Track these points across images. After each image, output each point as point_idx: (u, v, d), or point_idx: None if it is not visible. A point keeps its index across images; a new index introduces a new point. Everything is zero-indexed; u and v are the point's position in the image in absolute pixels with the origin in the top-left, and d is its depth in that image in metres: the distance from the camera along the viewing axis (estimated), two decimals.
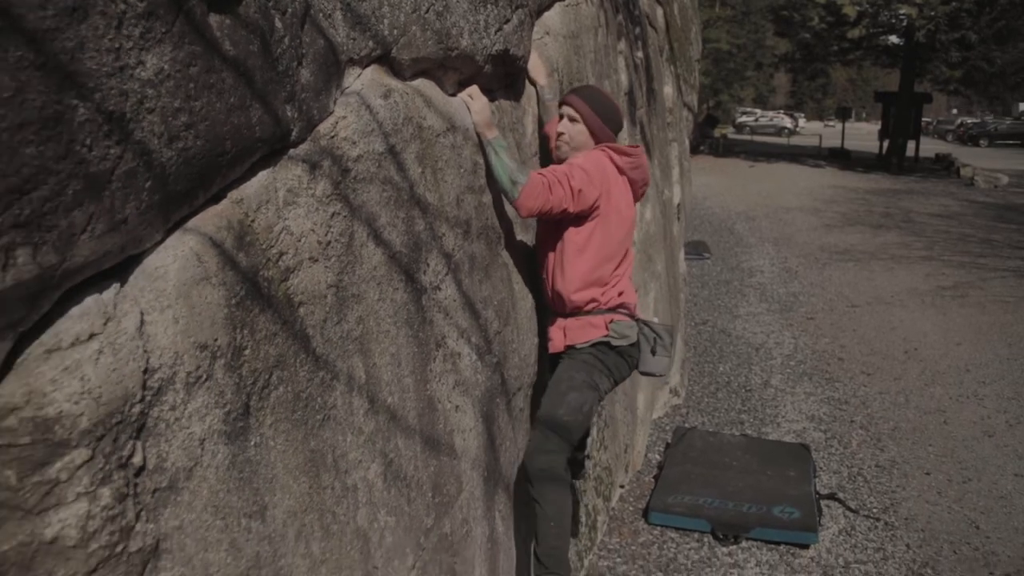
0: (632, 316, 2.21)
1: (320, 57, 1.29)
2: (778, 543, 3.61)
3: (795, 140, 32.71)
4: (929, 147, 26.68)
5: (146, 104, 0.92)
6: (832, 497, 4.09)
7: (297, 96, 1.21)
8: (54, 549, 0.80)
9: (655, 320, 2.32)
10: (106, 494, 0.83)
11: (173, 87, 0.95)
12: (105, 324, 0.86)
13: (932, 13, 17.70)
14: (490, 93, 2.11)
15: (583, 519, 3.22)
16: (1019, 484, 4.27)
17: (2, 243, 0.76)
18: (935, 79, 21.97)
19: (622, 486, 4.06)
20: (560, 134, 2.24)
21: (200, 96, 1.00)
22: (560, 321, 2.16)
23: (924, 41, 18.86)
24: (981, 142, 32.82)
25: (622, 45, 4.55)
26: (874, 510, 4.00)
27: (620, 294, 2.19)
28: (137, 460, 0.86)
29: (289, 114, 1.19)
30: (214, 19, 1.04)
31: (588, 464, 3.10)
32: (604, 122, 2.23)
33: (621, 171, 2.20)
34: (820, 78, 33.00)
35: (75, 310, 0.85)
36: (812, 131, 37.87)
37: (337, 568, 1.19)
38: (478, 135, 1.90)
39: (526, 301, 2.19)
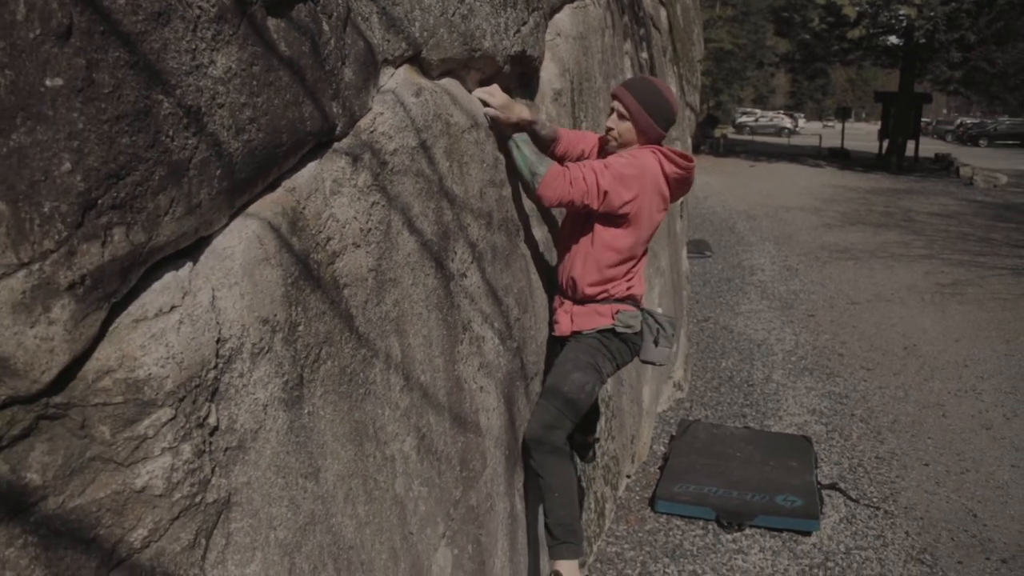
0: (638, 306, 2.24)
1: (360, 57, 1.38)
2: (781, 530, 3.71)
3: (795, 140, 32.83)
4: (929, 147, 26.81)
5: (217, 99, 1.01)
6: (833, 487, 4.19)
7: (341, 93, 1.31)
8: (143, 497, 0.89)
9: (659, 311, 2.32)
10: (187, 450, 0.92)
11: (239, 84, 1.05)
12: (183, 298, 0.96)
13: (931, 14, 17.82)
14: (508, 92, 2.20)
15: (591, 505, 3.31)
16: (1016, 475, 4.37)
17: (102, 222, 0.86)
18: (935, 79, 22.08)
19: (629, 476, 4.15)
20: (609, 129, 2.18)
21: (261, 92, 1.09)
22: (568, 306, 2.17)
23: (923, 42, 18.97)
24: (981, 142, 32.95)
25: (628, 46, 4.65)
26: (874, 499, 4.10)
27: (630, 287, 2.23)
28: (212, 421, 0.96)
29: (335, 110, 1.29)
30: (271, 22, 1.13)
31: (597, 450, 3.20)
32: (655, 119, 2.13)
33: (666, 177, 2.13)
34: (820, 78, 33.08)
35: (157, 285, 0.95)
36: (812, 131, 37.99)
37: (379, 530, 1.29)
38: (495, 129, 1.97)
39: (541, 291, 2.28)
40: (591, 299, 2.16)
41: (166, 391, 0.90)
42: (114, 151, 0.86)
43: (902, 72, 21.36)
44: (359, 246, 1.32)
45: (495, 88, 2.01)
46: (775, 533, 3.70)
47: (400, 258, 1.44)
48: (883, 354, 6.50)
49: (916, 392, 5.69)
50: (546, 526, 1.97)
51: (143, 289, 0.94)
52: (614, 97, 2.21)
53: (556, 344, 2.29)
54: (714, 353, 6.41)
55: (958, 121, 39.57)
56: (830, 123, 42.24)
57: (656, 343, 2.21)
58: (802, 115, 46.28)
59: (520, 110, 2.06)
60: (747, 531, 3.70)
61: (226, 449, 0.97)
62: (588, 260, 2.10)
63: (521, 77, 2.39)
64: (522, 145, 1.99)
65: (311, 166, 1.25)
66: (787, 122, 36.23)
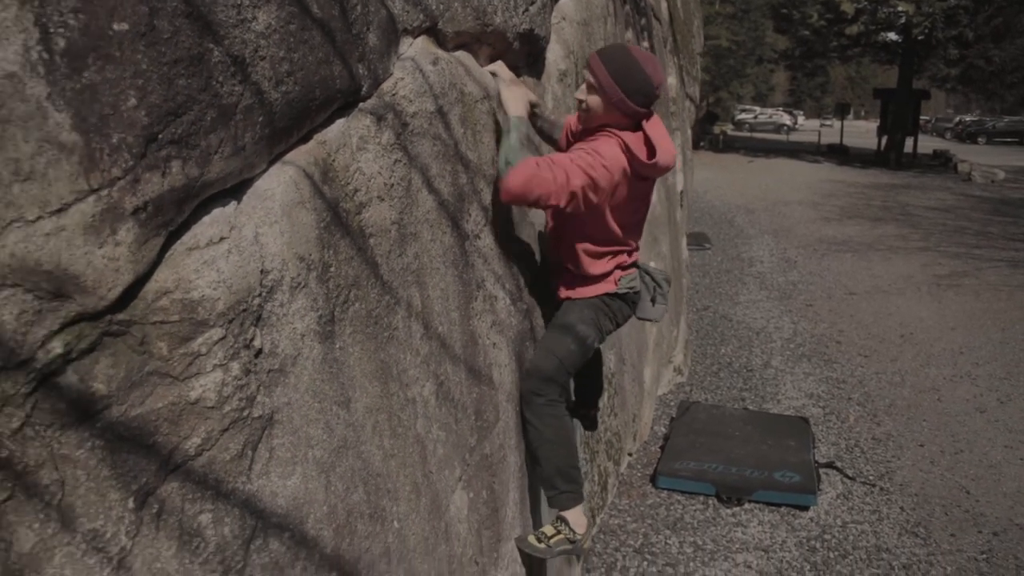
0: (636, 265, 2.22)
1: (383, 24, 1.47)
2: (779, 505, 3.80)
3: (793, 137, 32.94)
4: (928, 144, 26.92)
5: (260, 52, 1.10)
6: (830, 466, 4.28)
7: (367, 56, 1.40)
8: (196, 409, 0.98)
9: (653, 266, 2.28)
10: (235, 367, 1.01)
11: (278, 40, 1.14)
12: (231, 231, 1.05)
13: (929, 10, 17.91)
14: (516, 69, 2.29)
15: (595, 478, 3.40)
16: (1009, 455, 4.46)
17: (162, 154, 0.95)
18: (933, 76, 22.18)
19: (630, 454, 4.25)
20: (579, 102, 1.98)
21: (297, 49, 1.18)
22: (570, 277, 2.12)
23: (922, 38, 19.07)
24: (979, 139, 33.07)
25: (629, 35, 4.73)
26: (870, 477, 4.19)
27: (630, 255, 2.16)
28: (257, 343, 1.05)
29: (361, 71, 1.37)
30: None
31: (600, 424, 3.29)
32: (628, 94, 1.87)
33: (634, 168, 1.93)
34: (819, 76, 33.15)
35: (207, 218, 1.04)
36: (811, 128, 38.10)
37: (402, 464, 1.38)
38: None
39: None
40: (596, 278, 2.11)
41: (217, 312, 0.99)
42: (172, 91, 0.95)
43: (901, 69, 21.48)
44: (383, 199, 1.40)
45: (501, 64, 2.09)
46: (773, 508, 3.80)
47: (420, 214, 1.53)
48: (880, 342, 6.60)
49: (912, 377, 5.78)
50: (545, 478, 1.96)
51: (194, 222, 1.03)
52: (587, 67, 1.97)
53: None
54: (713, 340, 6.51)
55: (957, 119, 39.69)
56: (828, 122, 42.01)
57: (654, 301, 2.22)
58: (801, 112, 46.37)
59: (526, 91, 2.06)
60: (746, 506, 3.80)
61: (269, 371, 1.06)
62: (579, 253, 2.04)
63: (528, 56, 2.48)
64: (513, 131, 1.82)
65: (339, 122, 1.34)
66: (786, 119, 36.33)
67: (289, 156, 1.21)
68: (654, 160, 1.92)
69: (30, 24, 0.84)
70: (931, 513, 3.82)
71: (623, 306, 2.16)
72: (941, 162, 21.30)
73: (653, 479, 3.99)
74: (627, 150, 1.89)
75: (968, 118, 39.23)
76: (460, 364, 1.65)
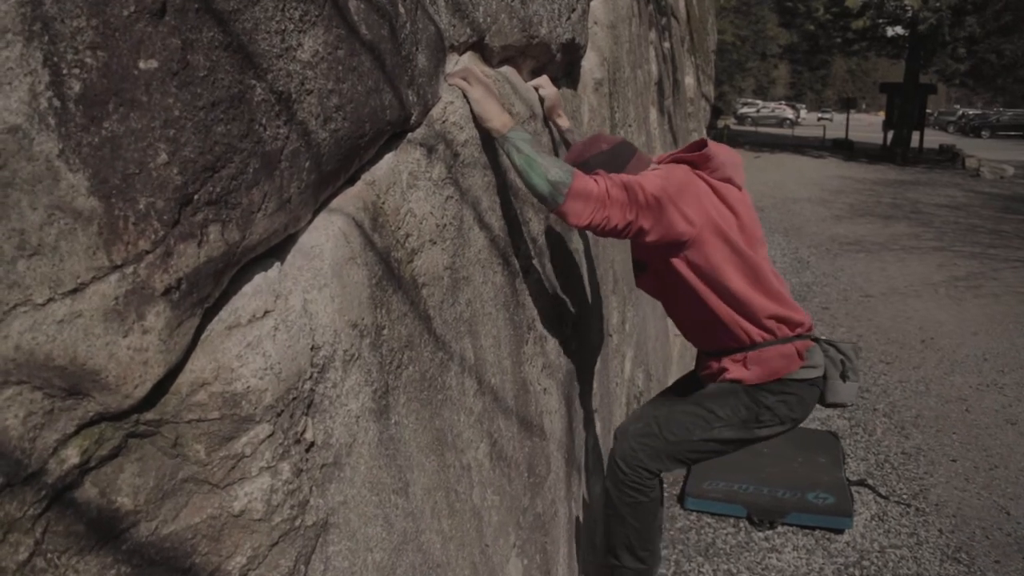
0: (813, 337, 1.77)
1: (432, 42, 1.29)
2: (813, 528, 3.65)
3: (797, 131, 32.71)
4: (931, 139, 26.70)
5: (306, 85, 0.93)
6: (862, 483, 4.13)
7: (416, 80, 1.22)
8: (240, 522, 0.82)
9: (839, 339, 1.85)
10: (286, 469, 0.84)
11: (326, 69, 0.96)
12: (275, 301, 0.88)
13: (937, 4, 17.67)
14: (555, 82, 2.12)
15: None
16: None
17: (198, 219, 0.78)
18: (941, 70, 21.95)
19: None
20: None
21: (346, 79, 1.01)
22: (736, 354, 1.69)
23: (928, 33, 18.84)
24: (983, 133, 32.85)
25: (652, 35, 4.56)
26: (904, 496, 4.04)
27: (795, 310, 1.74)
28: (309, 436, 0.88)
29: (410, 98, 1.20)
30: (352, 3, 1.05)
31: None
32: (620, 165, 1.65)
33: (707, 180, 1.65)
34: (821, 69, 32.93)
35: (247, 287, 0.87)
36: (811, 122, 37.79)
37: (461, 545, 1.21)
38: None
39: (590, 286, 2.20)
40: (762, 351, 1.66)
41: (264, 405, 0.82)
42: (210, 141, 0.78)
43: (907, 63, 21.25)
44: (435, 243, 1.24)
45: (547, 79, 1.92)
46: (807, 531, 3.65)
47: (471, 255, 1.37)
48: (901, 347, 6.44)
49: (937, 386, 5.62)
50: (609, 546, 1.77)
51: (232, 293, 0.86)
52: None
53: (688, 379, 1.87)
54: None
55: (960, 112, 39.46)
56: (826, 115, 41.34)
57: (844, 378, 1.73)
58: (803, 106, 46.09)
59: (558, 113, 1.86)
60: (779, 529, 3.64)
61: (322, 466, 0.90)
62: (720, 310, 1.63)
63: (566, 66, 2.30)
64: (523, 146, 1.44)
65: (388, 158, 1.17)
66: (789, 113, 36.07)
67: (335, 202, 1.04)
68: (703, 148, 1.65)
69: (38, 64, 0.67)
70: (972, 536, 3.67)
71: (803, 397, 1.70)
72: (948, 157, 21.11)
73: (681, 499, 3.83)
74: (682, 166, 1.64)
75: (971, 112, 39.01)
76: (512, 417, 1.49)
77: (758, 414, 1.68)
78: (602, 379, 2.37)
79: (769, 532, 3.62)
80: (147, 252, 0.74)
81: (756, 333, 1.65)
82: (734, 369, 1.69)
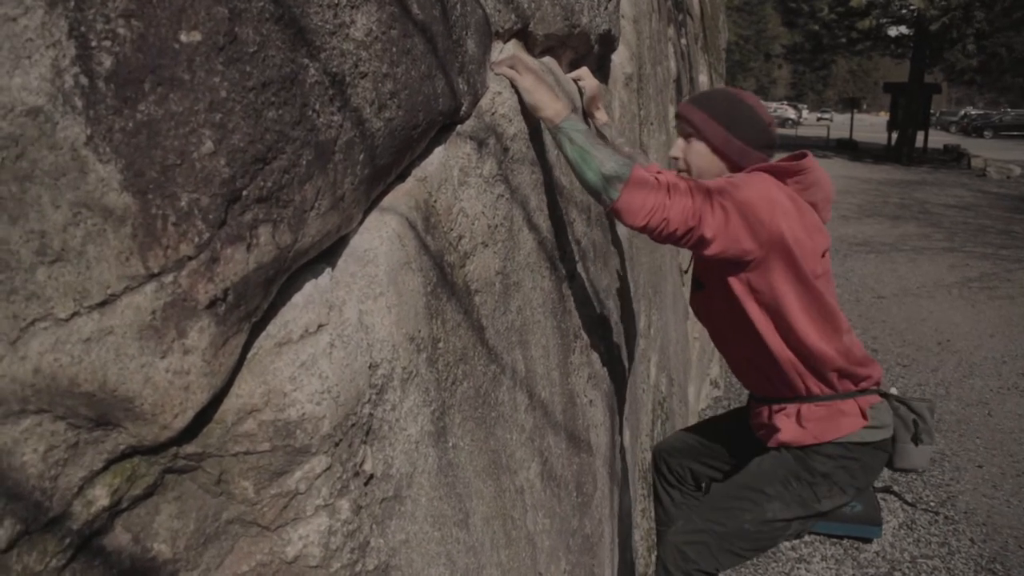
0: (881, 393, 1.58)
1: (480, 27, 1.19)
2: (841, 537, 3.54)
3: (800, 131, 32.60)
4: (934, 139, 26.59)
5: (360, 67, 0.82)
6: (888, 491, 4.02)
7: (466, 67, 1.11)
8: (295, 570, 0.70)
9: (911, 396, 1.68)
10: (345, 507, 0.73)
11: (380, 50, 0.85)
12: (329, 313, 0.77)
13: (944, 2, 17.56)
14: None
15: (649, 513, 3.14)
16: None
17: (247, 219, 0.67)
18: (948, 68, 21.83)
19: None
20: (674, 159, 1.59)
21: (400, 62, 0.90)
22: (791, 408, 1.51)
23: (936, 31, 18.72)
24: (985, 133, 32.77)
25: (671, 31, 4.45)
26: (931, 504, 3.93)
27: (865, 364, 1.54)
28: (368, 467, 0.77)
29: (461, 86, 1.09)
30: None
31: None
32: (735, 134, 1.51)
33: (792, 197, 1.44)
34: (823, 69, 32.85)
35: (298, 297, 0.76)
36: (812, 122, 37.63)
37: None
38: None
39: (632, 290, 2.09)
40: (824, 406, 1.49)
41: (322, 434, 0.71)
42: (260, 127, 0.67)
43: (912, 62, 21.15)
44: (487, 245, 1.13)
45: (587, 71, 1.81)
46: (835, 540, 3.54)
47: (521, 258, 1.25)
48: (917, 350, 6.34)
49: (957, 389, 5.52)
50: None
51: (280, 304, 0.75)
52: (679, 117, 1.62)
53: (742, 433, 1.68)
54: None
55: (962, 112, 39.37)
56: (826, 116, 40.94)
57: (918, 441, 1.54)
58: (805, 106, 45.97)
59: (598, 108, 1.76)
60: (806, 539, 3.54)
61: (383, 500, 0.78)
62: (797, 349, 1.46)
63: (599, 60, 2.19)
64: (577, 136, 1.30)
65: (438, 152, 1.06)
66: (791, 113, 35.95)
67: (387, 200, 0.93)
68: (803, 159, 1.47)
69: (63, 35, 0.56)
70: (1004, 546, 3.56)
71: (867, 463, 1.50)
72: (953, 157, 21.02)
73: None
74: (771, 178, 1.45)
75: (973, 111, 38.93)
76: (561, 432, 1.38)
77: (813, 484, 1.47)
78: (631, 385, 2.27)
79: (796, 542, 3.51)
80: (190, 258, 0.62)
81: (814, 383, 1.48)
82: (785, 428, 1.50)
